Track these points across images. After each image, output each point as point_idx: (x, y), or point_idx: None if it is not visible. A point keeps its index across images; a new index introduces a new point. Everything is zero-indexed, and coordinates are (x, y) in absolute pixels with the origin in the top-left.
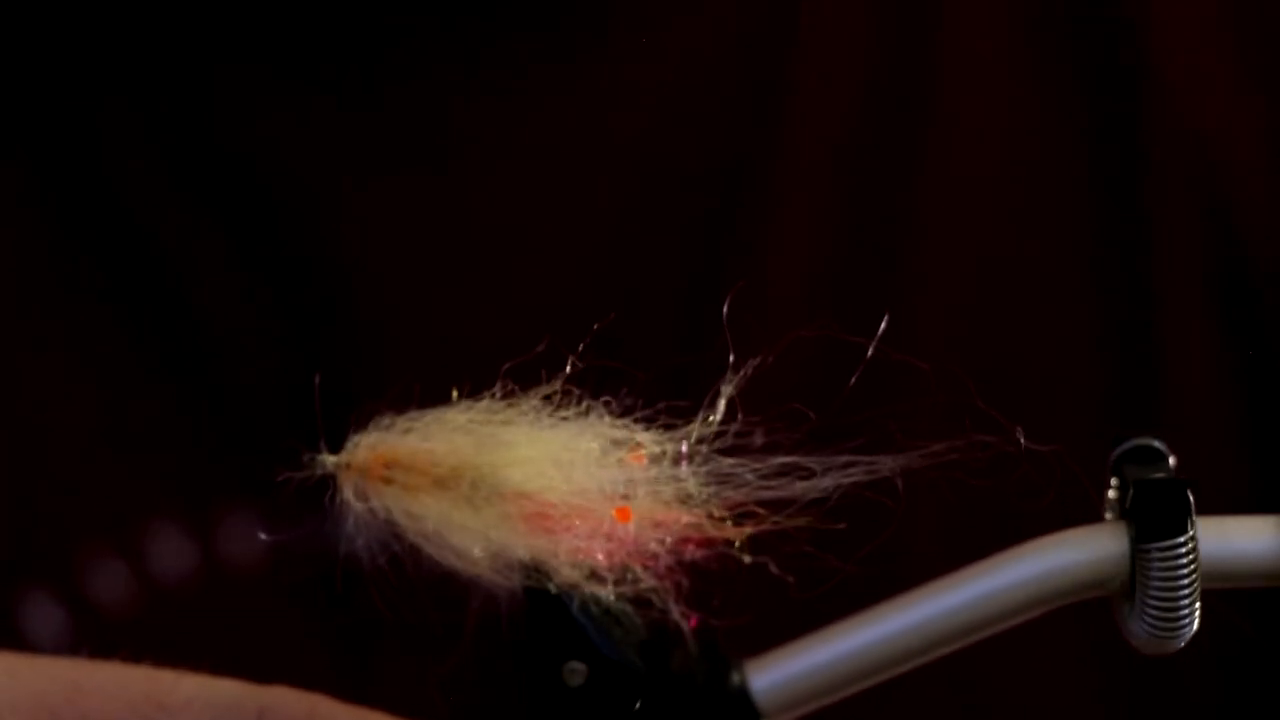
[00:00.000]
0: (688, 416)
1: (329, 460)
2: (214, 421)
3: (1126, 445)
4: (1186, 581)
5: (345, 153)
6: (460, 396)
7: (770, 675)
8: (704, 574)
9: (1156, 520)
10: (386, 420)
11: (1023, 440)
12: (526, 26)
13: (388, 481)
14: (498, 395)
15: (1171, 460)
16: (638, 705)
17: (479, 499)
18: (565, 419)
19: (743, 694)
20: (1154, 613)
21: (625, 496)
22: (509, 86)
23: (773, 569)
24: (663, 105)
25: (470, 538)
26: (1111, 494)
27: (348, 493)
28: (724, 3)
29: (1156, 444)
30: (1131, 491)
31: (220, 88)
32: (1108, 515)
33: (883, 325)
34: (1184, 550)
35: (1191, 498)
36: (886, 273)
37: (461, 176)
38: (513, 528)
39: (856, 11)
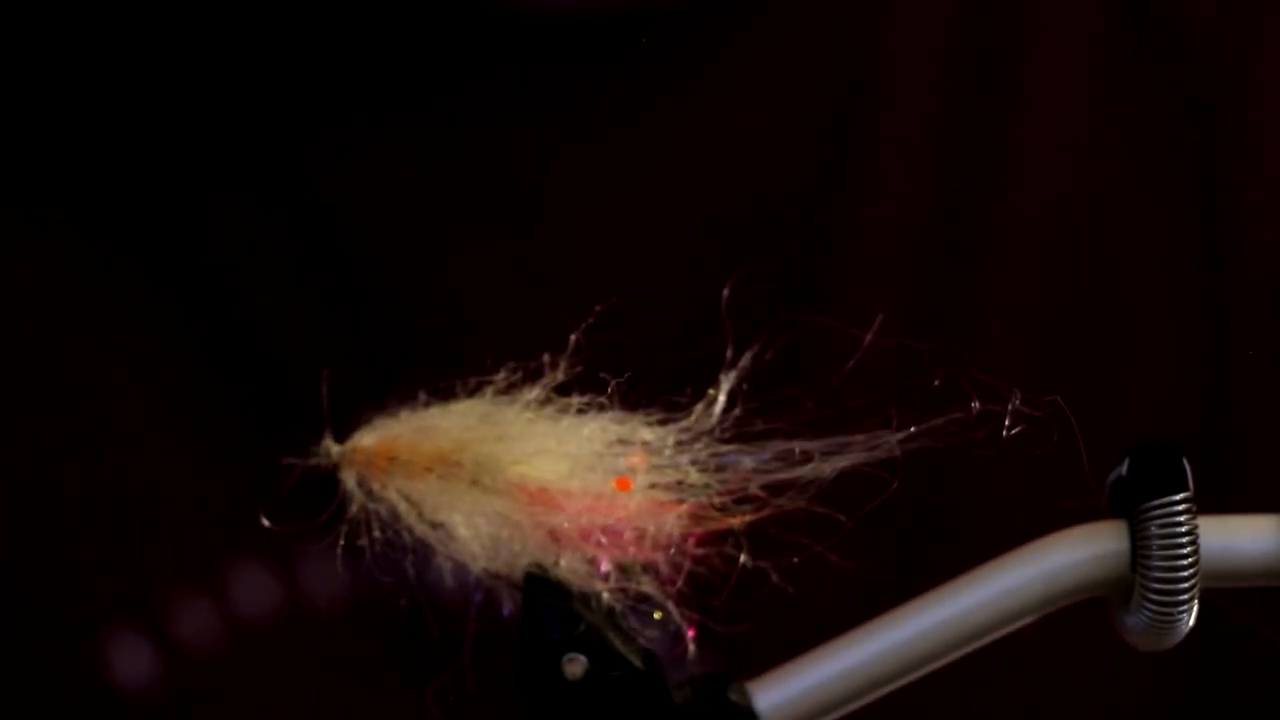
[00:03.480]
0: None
1: (332, 449)
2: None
3: (1138, 446)
4: (1186, 553)
5: (423, 196)
6: (469, 390)
7: (774, 694)
8: (705, 578)
9: (1152, 480)
10: (391, 411)
11: (1018, 401)
12: (594, 62)
13: (389, 470)
14: (506, 388)
15: (1186, 465)
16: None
17: (481, 486)
18: (572, 411)
19: (748, 715)
20: (1154, 595)
21: (628, 469)
22: (578, 123)
23: (774, 578)
24: (732, 137)
25: (472, 525)
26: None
27: (350, 482)
28: (793, 34)
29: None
30: (1127, 461)
31: (304, 137)
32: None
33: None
34: (1181, 511)
35: (1187, 465)
36: (964, 297)
37: (534, 218)
38: (515, 514)
39: (934, 43)
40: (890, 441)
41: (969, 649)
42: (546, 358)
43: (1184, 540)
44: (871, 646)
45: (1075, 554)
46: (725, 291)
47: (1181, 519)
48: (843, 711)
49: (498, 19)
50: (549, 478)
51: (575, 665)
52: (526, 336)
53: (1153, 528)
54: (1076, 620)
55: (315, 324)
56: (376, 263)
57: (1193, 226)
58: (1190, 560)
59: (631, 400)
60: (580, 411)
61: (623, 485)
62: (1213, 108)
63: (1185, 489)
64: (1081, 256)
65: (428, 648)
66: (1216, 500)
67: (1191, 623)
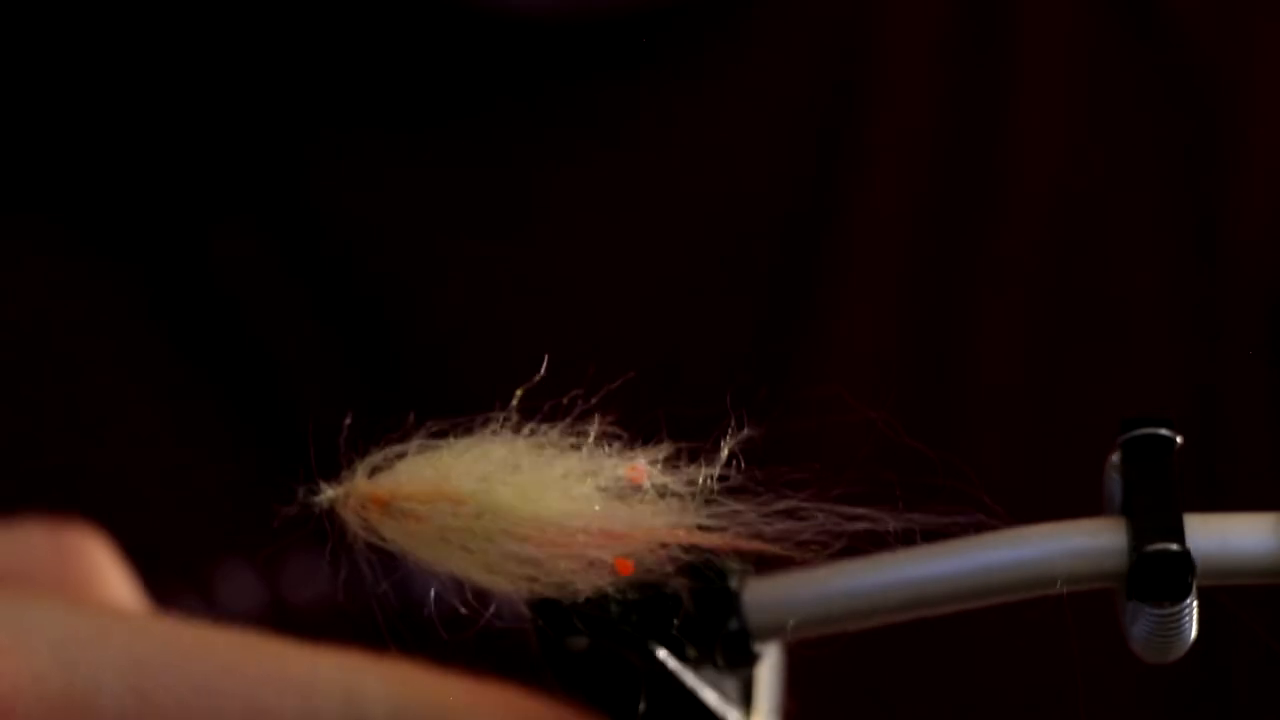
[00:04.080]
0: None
1: (327, 495)
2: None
3: (1131, 434)
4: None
5: (427, 213)
6: (467, 426)
7: (763, 591)
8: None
9: (1158, 587)
10: (388, 451)
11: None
12: (589, 68)
13: (388, 513)
14: (509, 425)
15: (1178, 438)
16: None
17: (482, 531)
18: (576, 449)
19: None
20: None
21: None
22: (574, 128)
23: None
24: (728, 137)
25: (474, 570)
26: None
27: (350, 525)
28: (787, 34)
29: (1164, 432)
30: (1134, 558)
31: (309, 156)
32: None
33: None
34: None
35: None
36: (958, 296)
37: (539, 234)
38: (516, 561)
39: (928, 39)
40: (886, 520)
41: (959, 608)
42: (547, 386)
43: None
44: (868, 577)
45: (1077, 543)
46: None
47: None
48: (821, 629)
49: (487, 25)
50: (551, 518)
51: (577, 643)
52: (524, 347)
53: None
54: (1075, 605)
55: (313, 336)
56: (373, 271)
57: (1185, 224)
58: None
59: (635, 423)
60: (580, 446)
61: (623, 567)
62: (1205, 103)
63: (1185, 597)
64: (1075, 252)
65: (422, 647)
66: (1208, 499)
67: (1194, 629)
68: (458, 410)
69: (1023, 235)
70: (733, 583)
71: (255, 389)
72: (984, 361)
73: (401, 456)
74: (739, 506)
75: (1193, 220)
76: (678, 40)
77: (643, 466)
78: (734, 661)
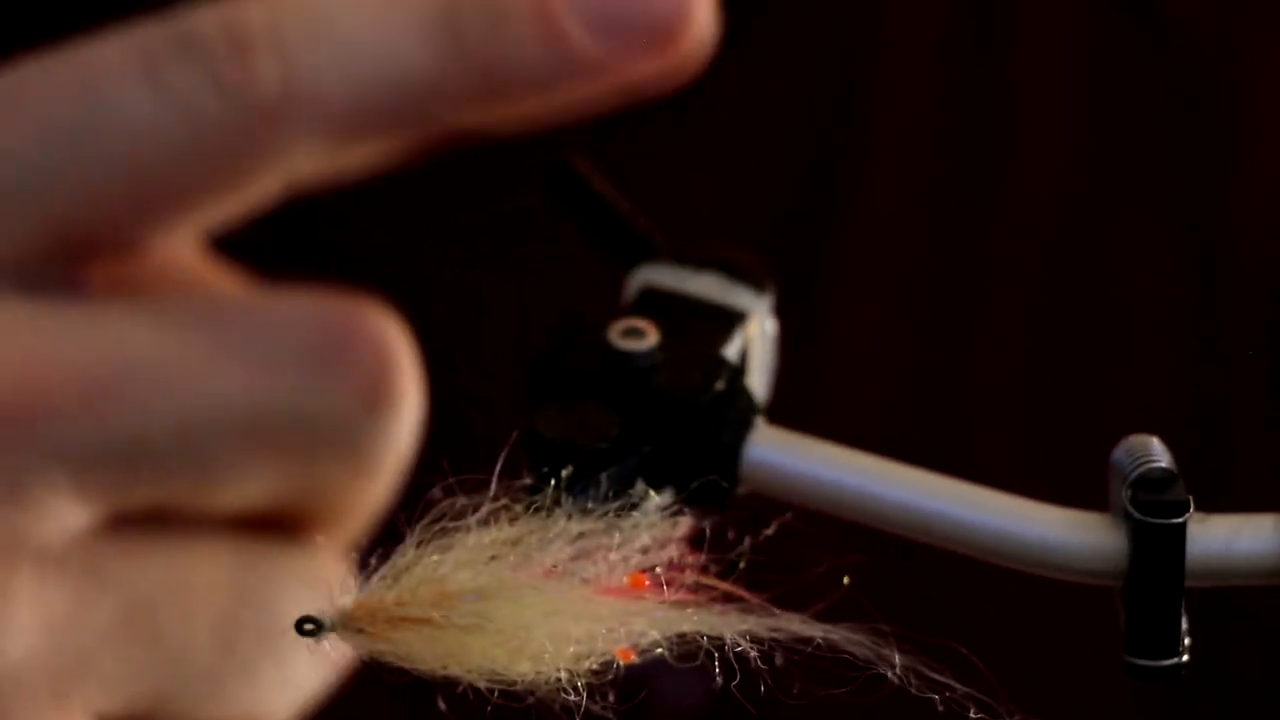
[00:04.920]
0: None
1: (325, 618)
2: None
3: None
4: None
5: (409, 209)
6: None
7: (769, 441)
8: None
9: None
10: (382, 568)
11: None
12: None
13: (387, 626)
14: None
15: (1169, 460)
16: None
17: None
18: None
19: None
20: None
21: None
22: (576, 142)
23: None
24: (724, 135)
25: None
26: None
27: (353, 643)
28: (788, 34)
29: (1155, 441)
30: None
31: None
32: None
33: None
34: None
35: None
36: (958, 295)
37: (527, 223)
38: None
39: (928, 38)
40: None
41: (942, 544)
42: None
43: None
44: (871, 474)
45: (1076, 539)
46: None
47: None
48: (806, 500)
49: None
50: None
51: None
52: (516, 353)
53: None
54: (1074, 605)
55: None
56: (361, 274)
57: (1185, 224)
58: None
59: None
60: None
61: (624, 656)
62: (1205, 103)
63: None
64: (1075, 252)
65: None
66: (1208, 501)
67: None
68: (441, 424)
69: (1023, 235)
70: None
71: None
72: (984, 361)
73: (389, 567)
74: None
75: (1193, 220)
76: None
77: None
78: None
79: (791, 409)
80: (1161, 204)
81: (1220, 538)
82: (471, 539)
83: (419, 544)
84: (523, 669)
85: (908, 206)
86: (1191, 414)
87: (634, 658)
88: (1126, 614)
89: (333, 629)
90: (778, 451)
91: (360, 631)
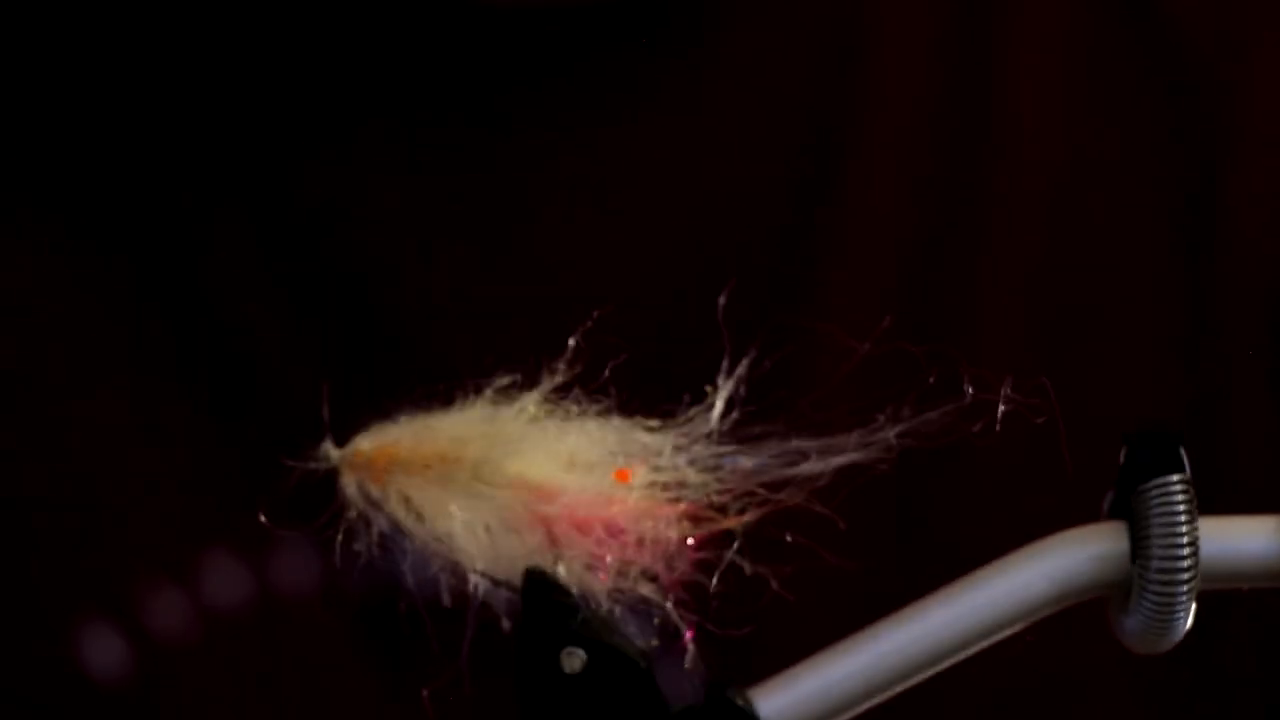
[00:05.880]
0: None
1: (331, 453)
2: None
3: (1136, 443)
4: (1184, 533)
5: (409, 200)
6: (466, 394)
7: (777, 699)
8: (704, 582)
9: (1149, 465)
10: (389, 416)
11: (1009, 390)
12: (579, 60)
13: (389, 473)
14: (504, 391)
15: (1184, 456)
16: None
17: (480, 483)
18: (571, 414)
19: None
20: (1154, 582)
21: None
22: (563, 123)
23: (773, 584)
24: (721, 133)
25: (472, 526)
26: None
27: (350, 487)
28: (780, 27)
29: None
30: (1124, 450)
31: (288, 143)
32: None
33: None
34: (1179, 490)
35: (1184, 452)
36: (953, 290)
37: (522, 220)
38: (515, 510)
39: (923, 34)
40: (887, 436)
41: (972, 650)
42: (543, 362)
43: (1182, 521)
44: (875, 649)
45: (1076, 554)
46: (721, 300)
47: (1179, 498)
48: (846, 716)
49: (479, 18)
50: (548, 474)
51: (574, 659)
52: (518, 341)
53: (1150, 510)
54: (1073, 611)
55: (302, 331)
56: (363, 266)
57: (1184, 223)
58: (1188, 541)
59: (629, 404)
60: (578, 415)
61: (622, 476)
62: (1204, 102)
63: (1182, 470)
64: (1074, 250)
65: (415, 647)
66: (1205, 499)
67: (1190, 620)
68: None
69: (1021, 233)
70: (737, 700)
71: (240, 383)
72: (983, 360)
73: (401, 422)
74: (734, 457)
75: (1192, 219)
76: (674, 37)
77: (631, 468)
78: None
79: (788, 406)
80: (1158, 201)
81: (1220, 540)
82: (470, 411)
83: (418, 413)
84: (513, 469)
85: (906, 204)
86: (1191, 414)
87: (631, 478)
88: None
89: (336, 464)
90: (787, 695)
91: (361, 473)
